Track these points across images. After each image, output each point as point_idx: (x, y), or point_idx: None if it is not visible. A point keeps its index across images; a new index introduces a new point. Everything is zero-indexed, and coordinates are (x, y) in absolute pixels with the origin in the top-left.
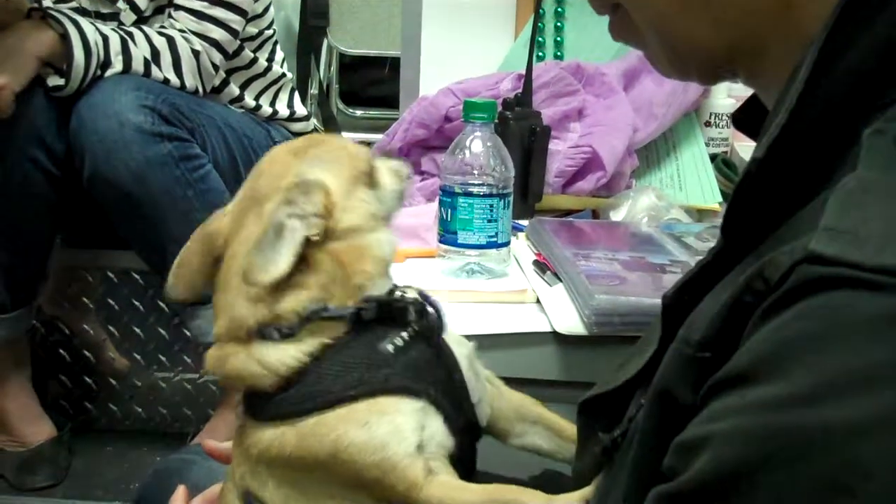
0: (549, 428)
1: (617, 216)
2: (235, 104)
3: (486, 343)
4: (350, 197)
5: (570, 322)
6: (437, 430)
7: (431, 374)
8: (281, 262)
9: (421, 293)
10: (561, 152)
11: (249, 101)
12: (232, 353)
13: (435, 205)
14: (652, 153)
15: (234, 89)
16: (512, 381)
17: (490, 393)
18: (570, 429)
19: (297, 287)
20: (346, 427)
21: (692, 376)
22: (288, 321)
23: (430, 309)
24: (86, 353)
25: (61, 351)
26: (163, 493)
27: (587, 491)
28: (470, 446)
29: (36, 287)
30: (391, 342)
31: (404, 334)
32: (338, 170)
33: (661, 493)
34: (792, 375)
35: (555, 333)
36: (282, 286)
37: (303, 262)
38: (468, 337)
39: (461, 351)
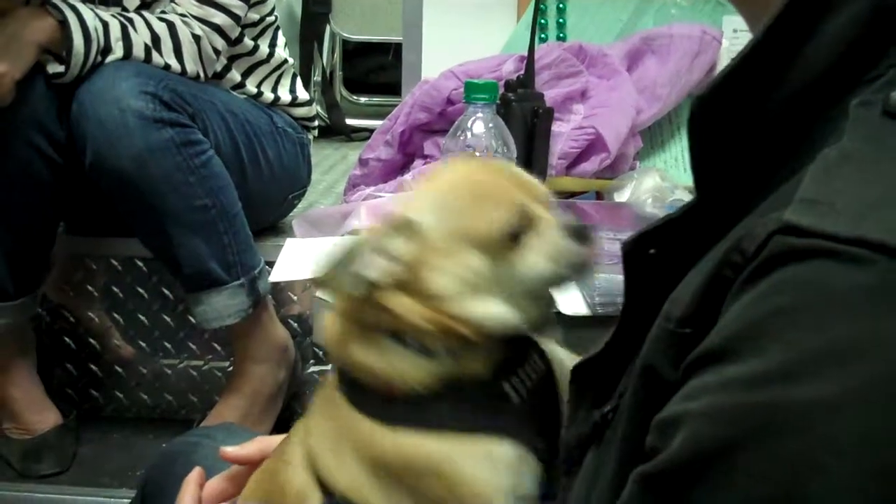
0: None
1: (621, 197)
2: (237, 90)
3: None
4: (450, 258)
5: (574, 303)
6: (528, 478)
7: (545, 424)
8: (345, 285)
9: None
10: (564, 134)
11: (251, 87)
12: (355, 339)
13: None
14: (656, 134)
15: (235, 75)
16: None
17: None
18: None
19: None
20: (444, 450)
21: (674, 353)
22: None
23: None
24: (91, 340)
25: (66, 338)
26: (169, 475)
27: None
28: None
29: (40, 274)
30: (512, 386)
31: (531, 374)
32: (455, 222)
33: (642, 473)
34: (766, 352)
35: (558, 314)
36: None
37: None
38: None
39: (565, 373)
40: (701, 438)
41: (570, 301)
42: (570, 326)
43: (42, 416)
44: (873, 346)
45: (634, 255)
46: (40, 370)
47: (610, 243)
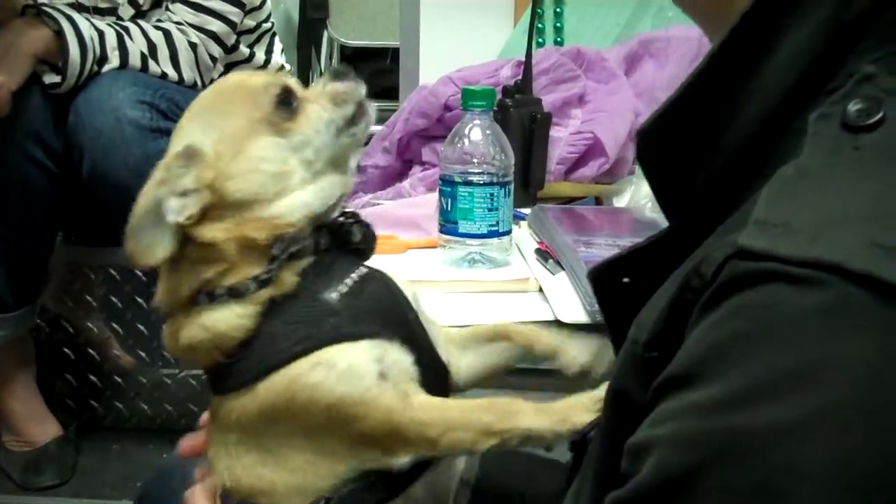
0: (477, 341)
1: (620, 202)
2: None
3: None
4: (242, 158)
5: (573, 310)
6: (397, 359)
7: (383, 316)
8: (159, 247)
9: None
10: (562, 139)
11: None
12: (181, 325)
13: (436, 195)
14: None
15: None
16: (515, 371)
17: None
18: (494, 328)
19: (199, 264)
20: (300, 379)
21: (643, 376)
22: (219, 287)
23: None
24: (90, 351)
25: (66, 349)
26: (164, 491)
27: (586, 395)
28: (441, 389)
29: (39, 285)
30: (335, 290)
31: (349, 280)
32: (226, 123)
33: (614, 499)
34: (726, 377)
35: (558, 322)
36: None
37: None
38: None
39: (410, 294)
40: (667, 464)
41: (569, 309)
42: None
43: (42, 427)
44: (830, 369)
45: (606, 283)
46: (40, 381)
47: (609, 249)
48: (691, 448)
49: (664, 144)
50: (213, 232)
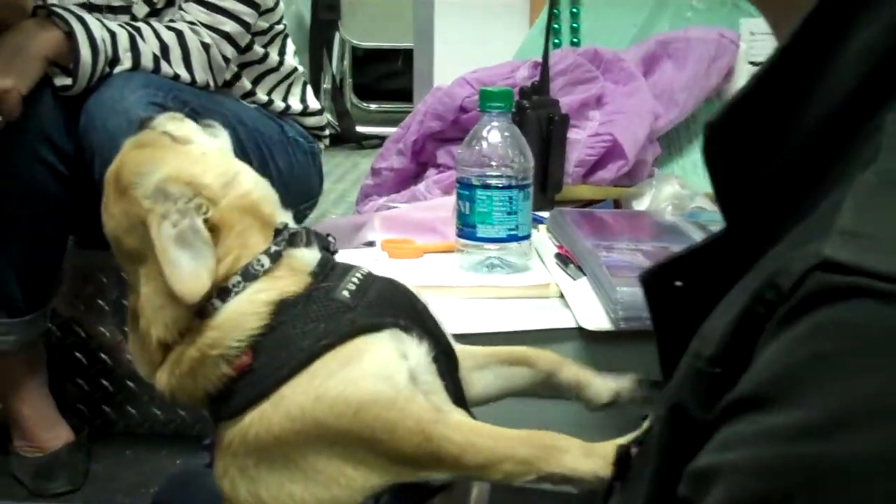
0: (496, 362)
1: (640, 206)
2: (248, 99)
3: (508, 340)
4: (191, 162)
5: (596, 317)
6: (419, 355)
7: (394, 306)
8: (202, 268)
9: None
10: (580, 141)
11: (262, 95)
12: (186, 347)
13: (452, 198)
14: (674, 140)
15: (245, 83)
16: None
17: None
18: (516, 351)
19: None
20: (325, 379)
21: (704, 393)
22: (233, 276)
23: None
24: (102, 355)
25: (78, 354)
26: (178, 499)
27: (633, 435)
28: (453, 377)
29: (50, 289)
30: (345, 288)
31: (355, 279)
32: (158, 157)
33: None
34: (806, 401)
35: (580, 329)
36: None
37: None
38: (489, 335)
39: (413, 288)
40: (739, 494)
41: (592, 315)
42: (592, 342)
43: (54, 433)
44: None
45: (657, 286)
46: (52, 386)
47: (631, 254)
48: (769, 477)
49: (731, 138)
50: (217, 213)
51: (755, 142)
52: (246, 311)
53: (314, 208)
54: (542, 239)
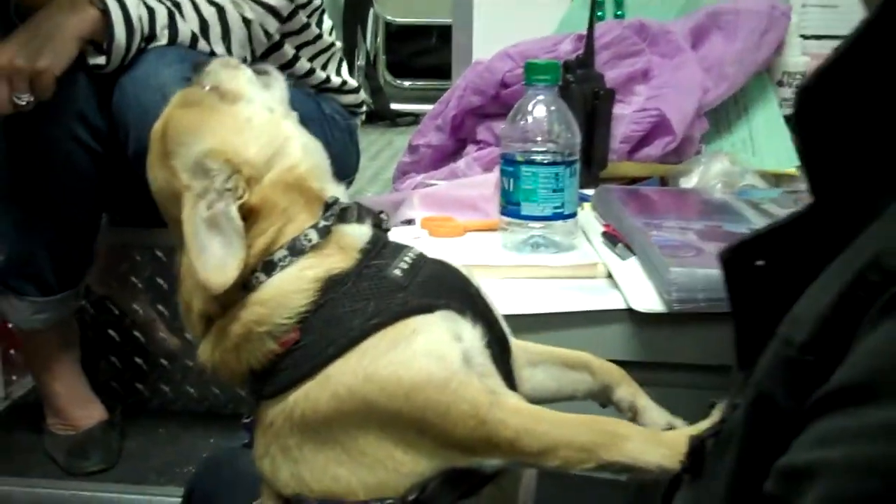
0: (553, 362)
1: (687, 183)
2: (290, 68)
3: (554, 322)
4: (237, 130)
5: (648, 299)
6: (473, 338)
7: (448, 288)
8: (230, 257)
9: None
10: (626, 116)
11: (304, 63)
12: (230, 321)
13: (494, 175)
14: (722, 115)
15: (288, 51)
16: None
17: None
18: (577, 356)
19: (258, 236)
20: (375, 359)
21: (795, 382)
22: (277, 249)
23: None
24: (136, 333)
25: (111, 332)
26: (215, 484)
27: (701, 426)
28: (505, 366)
29: (83, 268)
30: (397, 267)
31: (408, 258)
32: (198, 127)
33: None
34: None
35: (630, 311)
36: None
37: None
38: (533, 317)
39: (465, 271)
40: (839, 494)
41: (643, 297)
42: (644, 324)
43: (87, 411)
44: None
45: (737, 265)
46: (85, 364)
47: (681, 233)
48: (874, 477)
49: (825, 103)
50: (258, 192)
51: (851, 107)
52: (293, 287)
53: (351, 186)
54: (588, 217)
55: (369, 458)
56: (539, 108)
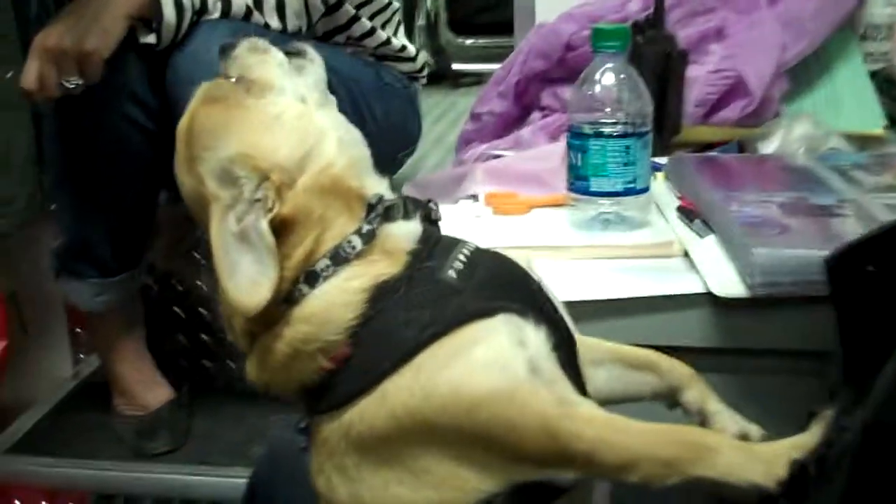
0: (618, 362)
1: (767, 148)
2: (348, 30)
3: (628, 308)
4: (265, 129)
5: (728, 282)
6: (539, 343)
7: (507, 288)
8: (264, 277)
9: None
10: (700, 78)
11: (365, 22)
12: (273, 339)
13: (560, 146)
14: (802, 74)
15: (349, 8)
16: (661, 350)
17: None
18: (643, 355)
19: (296, 245)
20: (433, 373)
21: None
22: (319, 259)
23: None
24: (201, 309)
25: (176, 308)
26: (276, 476)
27: (800, 440)
28: (574, 368)
29: (142, 248)
30: (451, 268)
31: (462, 256)
32: (223, 128)
33: None
34: None
35: (709, 295)
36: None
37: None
38: (605, 302)
39: (524, 262)
40: None
41: (724, 280)
42: (724, 309)
43: (154, 391)
44: None
45: (844, 271)
46: (150, 342)
47: (764, 207)
48: None
49: None
50: (291, 200)
51: None
52: (339, 301)
53: (413, 154)
54: (661, 189)
55: (432, 476)
56: (607, 77)
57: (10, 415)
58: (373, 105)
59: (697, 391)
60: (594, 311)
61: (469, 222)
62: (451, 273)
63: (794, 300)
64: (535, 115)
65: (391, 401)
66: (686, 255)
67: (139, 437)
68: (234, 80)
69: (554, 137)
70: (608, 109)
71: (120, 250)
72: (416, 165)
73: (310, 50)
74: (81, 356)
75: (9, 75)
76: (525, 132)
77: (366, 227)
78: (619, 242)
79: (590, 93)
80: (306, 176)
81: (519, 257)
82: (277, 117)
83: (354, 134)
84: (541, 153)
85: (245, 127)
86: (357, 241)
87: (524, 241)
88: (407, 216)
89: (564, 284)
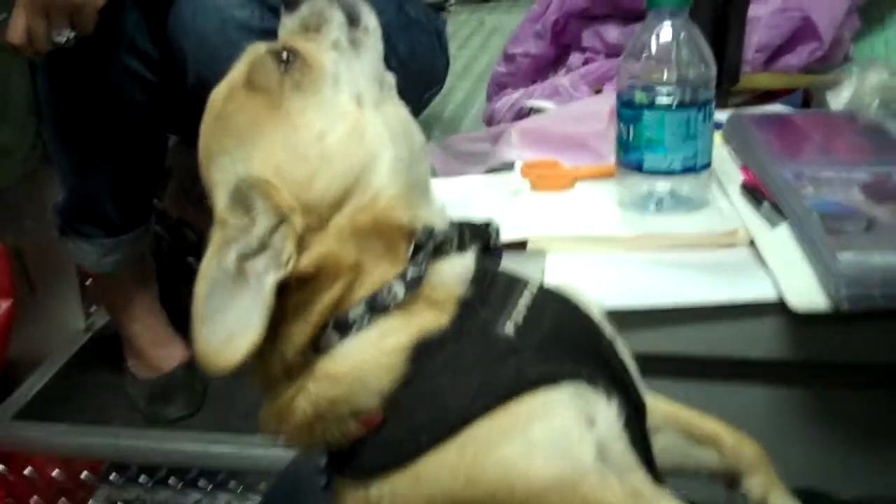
0: (679, 431)
1: (836, 98)
2: None
3: (687, 317)
4: (298, 150)
5: (808, 291)
6: (611, 420)
7: (574, 346)
8: (244, 333)
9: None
10: (762, 19)
11: None
12: (295, 392)
13: (605, 100)
14: (873, 9)
15: None
16: (721, 363)
17: None
18: (707, 428)
19: (321, 291)
20: (481, 455)
21: None
22: (352, 305)
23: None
24: None
25: (189, 258)
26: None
27: None
28: (644, 441)
29: (149, 204)
30: (510, 319)
31: (522, 304)
32: (252, 133)
33: None
34: None
35: (782, 306)
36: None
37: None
38: (662, 312)
39: (596, 310)
40: None
41: (801, 287)
42: (803, 325)
43: (168, 351)
44: None
45: None
46: (163, 295)
47: (842, 188)
48: None
49: None
50: (316, 250)
51: None
52: (374, 362)
53: (440, 93)
54: (719, 154)
55: None
56: (665, 38)
57: (22, 371)
58: (396, 44)
59: (762, 477)
60: (651, 320)
61: (504, 200)
62: (509, 326)
63: (885, 312)
64: (575, 57)
65: (429, 483)
66: (752, 243)
67: (153, 402)
68: (285, 56)
69: (597, 86)
70: (665, 76)
71: (126, 207)
72: (443, 101)
73: (368, 14)
74: (93, 308)
75: (2, 17)
76: (564, 81)
77: (411, 272)
78: (675, 231)
79: (644, 55)
80: (342, 216)
81: (590, 302)
82: (321, 138)
83: (415, 139)
84: (585, 111)
85: (279, 140)
86: (399, 289)
87: (566, 227)
88: (461, 247)
89: (610, 284)
